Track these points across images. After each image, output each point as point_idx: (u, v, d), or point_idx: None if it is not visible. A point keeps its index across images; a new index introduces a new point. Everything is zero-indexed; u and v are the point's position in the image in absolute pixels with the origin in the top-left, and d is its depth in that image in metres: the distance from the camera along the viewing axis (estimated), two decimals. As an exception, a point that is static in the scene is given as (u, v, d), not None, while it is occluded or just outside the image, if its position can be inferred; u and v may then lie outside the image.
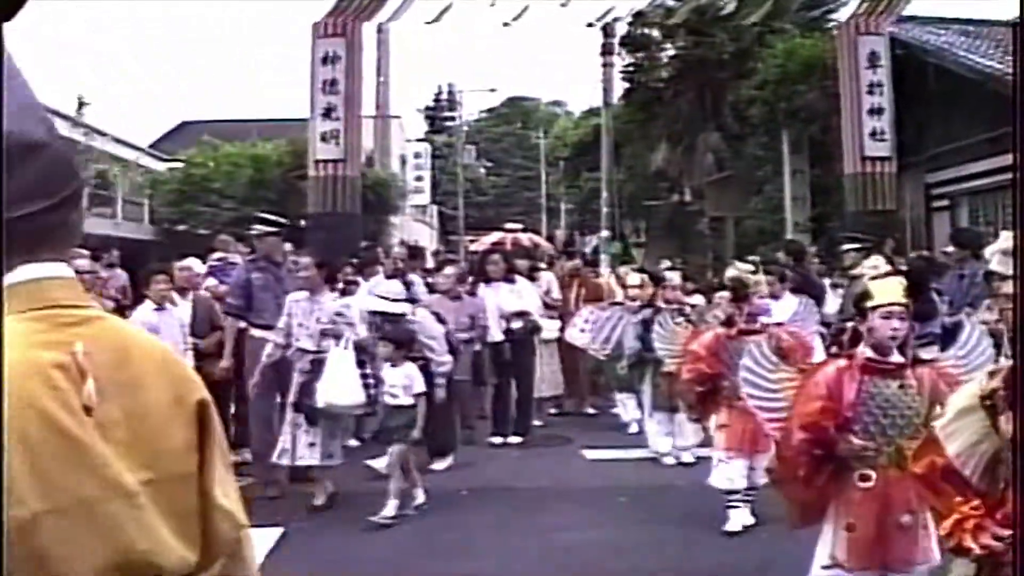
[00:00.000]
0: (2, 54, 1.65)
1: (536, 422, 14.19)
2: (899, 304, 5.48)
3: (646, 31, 33.61)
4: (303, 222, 19.91)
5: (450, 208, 64.95)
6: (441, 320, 11.35)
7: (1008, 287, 10.46)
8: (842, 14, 25.12)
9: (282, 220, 12.20)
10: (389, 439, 9.61)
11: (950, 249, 13.66)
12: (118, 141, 32.51)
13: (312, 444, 9.64)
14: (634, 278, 13.85)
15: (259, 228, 11.56)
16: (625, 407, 13.95)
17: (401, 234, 30.87)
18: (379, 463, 10.06)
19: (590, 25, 28.96)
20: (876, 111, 20.16)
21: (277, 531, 8.99)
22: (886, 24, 20.57)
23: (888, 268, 8.12)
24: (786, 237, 20.64)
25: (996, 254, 10.55)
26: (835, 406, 5.50)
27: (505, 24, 22.86)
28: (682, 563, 8.22)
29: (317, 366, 9.64)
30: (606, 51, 35.25)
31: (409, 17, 21.68)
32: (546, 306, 14.79)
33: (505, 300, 13.51)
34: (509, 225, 37.27)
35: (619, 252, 32.21)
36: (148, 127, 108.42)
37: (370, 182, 25.84)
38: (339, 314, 9.93)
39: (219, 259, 14.51)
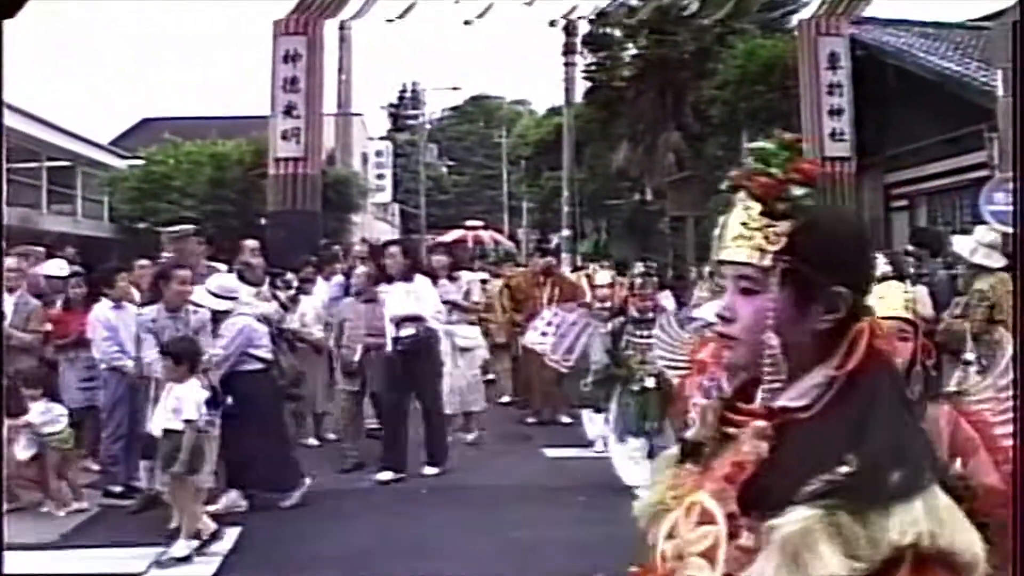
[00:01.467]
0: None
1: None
2: (896, 319, 4.08)
3: (608, 30, 33.65)
4: (263, 220, 19.85)
5: (412, 206, 64.83)
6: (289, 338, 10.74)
7: (982, 283, 10.54)
8: (802, 15, 25.27)
9: (197, 219, 11.83)
10: (163, 467, 8.48)
11: (910, 248, 13.75)
12: (78, 137, 32.32)
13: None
14: (603, 276, 13.01)
15: (180, 229, 11.07)
16: (592, 422, 12.36)
17: (362, 232, 30.74)
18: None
19: (552, 24, 29.05)
20: (836, 112, 20.29)
21: (236, 530, 8.98)
22: (846, 25, 20.68)
23: (887, 269, 6.69)
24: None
25: (979, 248, 10.59)
26: None
27: (467, 22, 22.90)
28: (639, 563, 8.23)
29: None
30: (568, 50, 35.30)
31: (373, 15, 21.66)
32: (465, 310, 13.62)
33: (398, 302, 11.43)
34: (470, 222, 37.26)
35: (591, 250, 32.04)
36: (109, 124, 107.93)
37: (331, 180, 25.77)
38: (202, 329, 9.40)
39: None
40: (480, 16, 22.61)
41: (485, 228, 39.36)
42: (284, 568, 8.25)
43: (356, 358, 11.69)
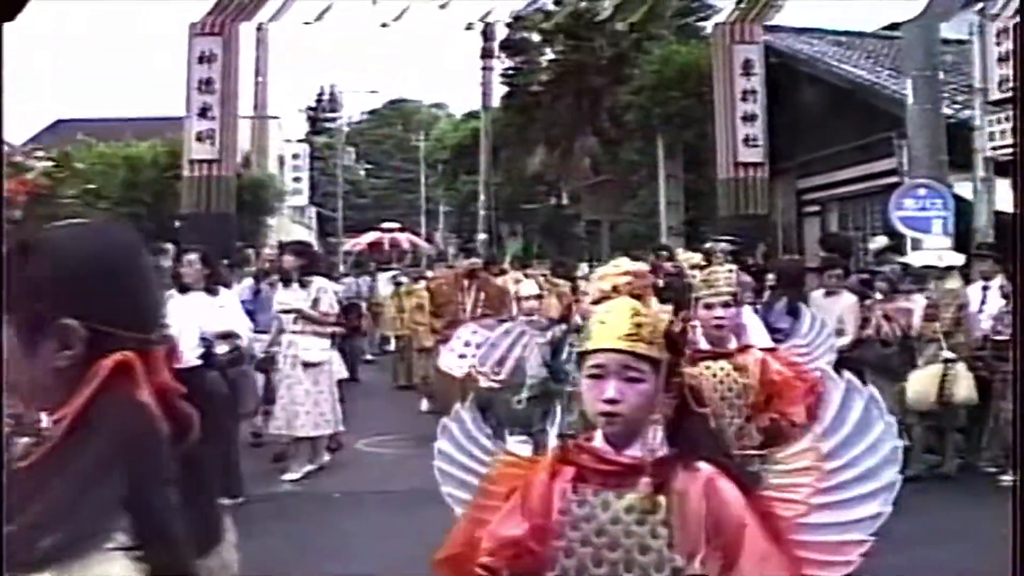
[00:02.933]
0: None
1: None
2: (616, 351, 2.77)
3: (525, 35, 33.72)
4: (177, 223, 19.68)
5: (329, 209, 64.49)
6: None
7: (953, 282, 10.71)
8: (717, 20, 25.48)
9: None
10: None
11: (822, 254, 13.90)
12: (-12, 138, 31.80)
13: None
14: (528, 286, 10.71)
15: None
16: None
17: (278, 235, 30.55)
18: None
19: (469, 27, 29.00)
20: (749, 118, 20.43)
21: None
22: (760, 33, 20.85)
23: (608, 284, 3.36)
24: (660, 240, 20.84)
25: (942, 254, 10.84)
26: (525, 534, 3.01)
27: (384, 25, 22.77)
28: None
29: None
30: (486, 54, 35.38)
31: (290, 17, 21.52)
32: (314, 321, 11.52)
33: (204, 316, 9.84)
34: (386, 224, 37.08)
35: (519, 253, 31.36)
36: (22, 124, 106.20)
37: (247, 182, 25.60)
38: None
39: None
40: (396, 19, 22.48)
41: (402, 231, 39.20)
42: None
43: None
